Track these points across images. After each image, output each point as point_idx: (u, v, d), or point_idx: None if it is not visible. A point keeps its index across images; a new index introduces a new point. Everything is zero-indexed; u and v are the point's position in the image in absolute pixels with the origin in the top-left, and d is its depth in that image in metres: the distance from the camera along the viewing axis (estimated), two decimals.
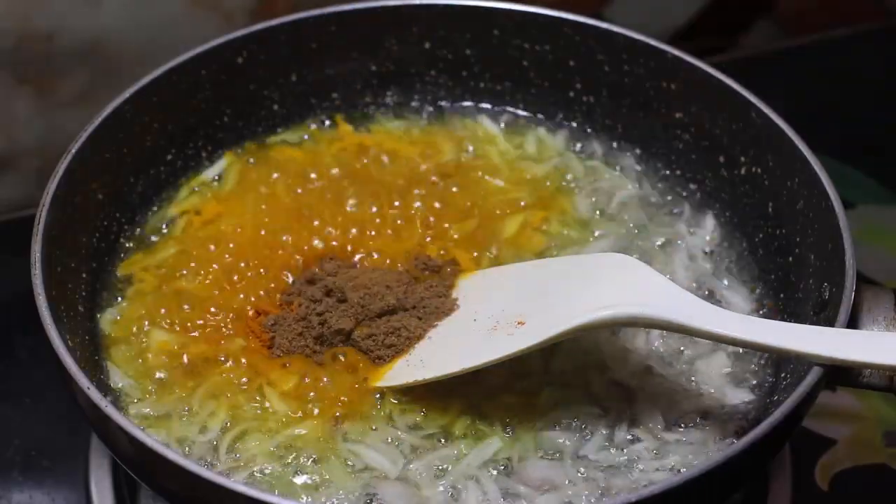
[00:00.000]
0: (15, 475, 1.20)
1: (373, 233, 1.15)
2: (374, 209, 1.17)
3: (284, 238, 1.13)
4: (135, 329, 1.06)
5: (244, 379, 1.02)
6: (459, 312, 1.05)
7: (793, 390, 0.89)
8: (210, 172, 1.21)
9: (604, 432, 0.99)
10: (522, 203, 1.18)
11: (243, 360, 1.04)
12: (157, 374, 1.03)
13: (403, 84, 1.29)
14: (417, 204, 1.17)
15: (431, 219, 1.16)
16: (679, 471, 0.97)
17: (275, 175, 1.20)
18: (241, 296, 1.08)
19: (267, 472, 0.96)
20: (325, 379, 1.02)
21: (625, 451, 0.98)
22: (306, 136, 1.26)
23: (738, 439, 0.87)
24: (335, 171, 1.21)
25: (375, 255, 1.13)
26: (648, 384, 1.03)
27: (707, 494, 0.89)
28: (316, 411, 1.00)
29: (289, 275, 1.10)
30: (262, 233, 1.14)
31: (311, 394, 1.01)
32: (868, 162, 1.54)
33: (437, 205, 1.17)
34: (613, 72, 1.22)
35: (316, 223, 1.15)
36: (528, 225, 1.16)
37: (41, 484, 1.20)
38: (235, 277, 1.10)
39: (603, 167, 1.23)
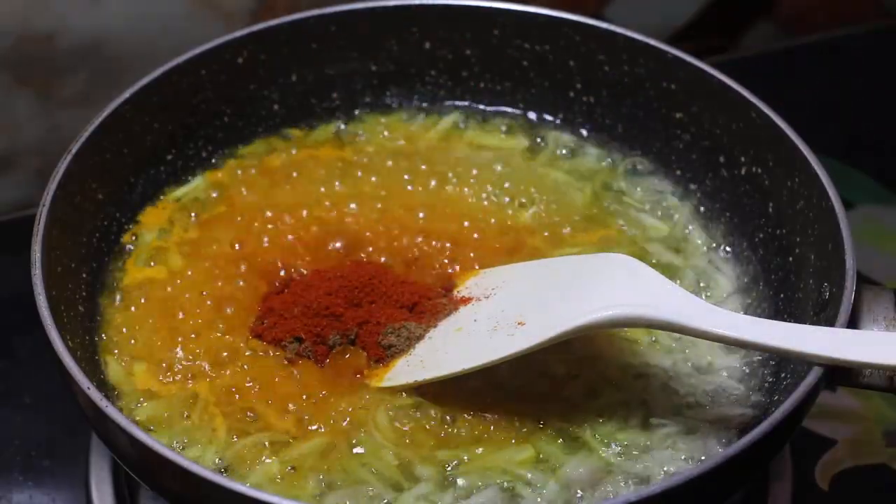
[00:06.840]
0: (15, 475, 1.20)
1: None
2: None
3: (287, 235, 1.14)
4: (133, 336, 1.06)
5: (245, 384, 1.01)
6: (459, 312, 1.05)
7: (793, 390, 0.89)
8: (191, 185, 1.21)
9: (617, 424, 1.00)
10: (524, 200, 1.18)
11: (244, 366, 1.02)
12: (156, 381, 1.02)
13: (403, 84, 1.29)
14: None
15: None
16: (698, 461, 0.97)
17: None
18: (241, 293, 1.08)
19: (266, 481, 0.95)
20: (325, 384, 1.01)
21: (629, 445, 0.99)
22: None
23: (738, 439, 0.87)
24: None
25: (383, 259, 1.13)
26: (645, 383, 1.03)
27: (707, 494, 0.89)
28: (315, 423, 0.99)
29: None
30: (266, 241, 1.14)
31: (312, 400, 1.00)
32: (868, 162, 1.54)
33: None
34: (613, 72, 1.22)
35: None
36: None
37: (41, 484, 1.20)
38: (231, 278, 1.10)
39: (602, 167, 1.23)
